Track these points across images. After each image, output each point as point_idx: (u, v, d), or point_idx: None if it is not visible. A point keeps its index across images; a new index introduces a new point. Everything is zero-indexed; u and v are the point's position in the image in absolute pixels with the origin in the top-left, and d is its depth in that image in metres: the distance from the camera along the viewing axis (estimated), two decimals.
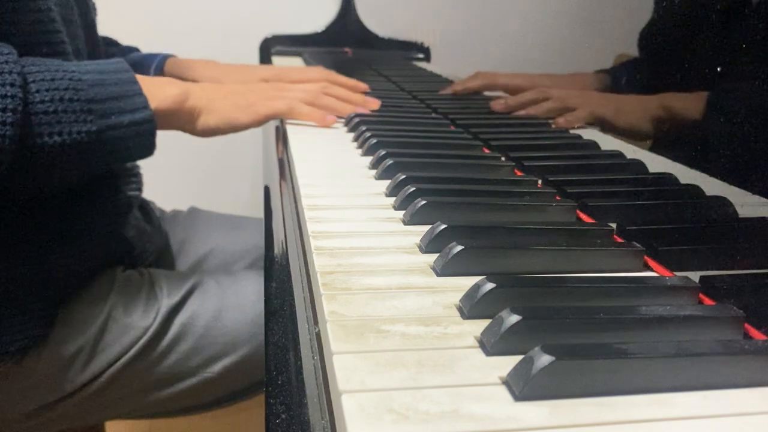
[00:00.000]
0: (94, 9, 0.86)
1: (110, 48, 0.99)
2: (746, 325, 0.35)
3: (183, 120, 0.72)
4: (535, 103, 0.75)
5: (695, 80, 0.48)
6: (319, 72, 0.92)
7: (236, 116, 0.74)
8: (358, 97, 0.86)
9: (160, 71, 0.96)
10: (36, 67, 0.60)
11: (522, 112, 0.76)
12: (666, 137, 0.52)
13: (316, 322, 0.37)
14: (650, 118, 0.54)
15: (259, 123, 0.76)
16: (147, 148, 0.67)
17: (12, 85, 0.56)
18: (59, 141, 0.59)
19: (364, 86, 0.92)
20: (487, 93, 0.88)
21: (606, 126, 0.63)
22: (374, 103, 0.85)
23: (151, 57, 0.97)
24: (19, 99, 0.56)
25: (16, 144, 0.56)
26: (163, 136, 0.70)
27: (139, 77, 0.67)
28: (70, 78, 0.60)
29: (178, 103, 0.70)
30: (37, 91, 0.58)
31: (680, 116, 0.50)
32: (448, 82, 1.01)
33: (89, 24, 0.81)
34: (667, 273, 0.42)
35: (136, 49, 1.02)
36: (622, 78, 0.58)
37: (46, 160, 0.59)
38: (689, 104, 0.48)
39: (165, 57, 0.97)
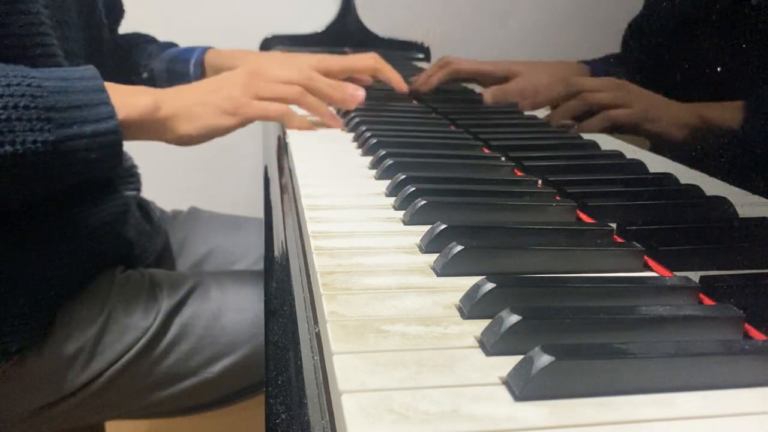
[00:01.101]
0: (120, 9, 0.84)
1: (149, 45, 0.97)
2: (746, 325, 0.35)
3: (157, 130, 0.67)
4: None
5: (695, 80, 0.48)
6: (299, 73, 0.79)
7: (219, 122, 0.68)
8: (339, 94, 0.79)
9: (200, 64, 0.92)
10: None
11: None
12: (671, 139, 0.52)
13: (316, 322, 0.37)
14: (678, 125, 0.51)
15: (244, 125, 0.71)
16: (112, 161, 0.64)
17: None
18: (11, 151, 0.55)
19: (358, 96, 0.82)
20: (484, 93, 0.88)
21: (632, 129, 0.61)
22: (337, 123, 0.79)
23: (190, 50, 0.94)
24: None
25: None
26: None
27: (109, 85, 0.63)
28: (28, 84, 0.57)
29: (149, 113, 0.65)
30: None
31: (682, 117, 0.50)
32: (448, 82, 1.01)
33: (94, 24, 0.80)
34: (667, 273, 0.42)
35: (174, 45, 0.99)
36: (602, 71, 0.58)
37: (1, 171, 0.56)
38: (690, 106, 0.48)
39: (204, 49, 0.94)
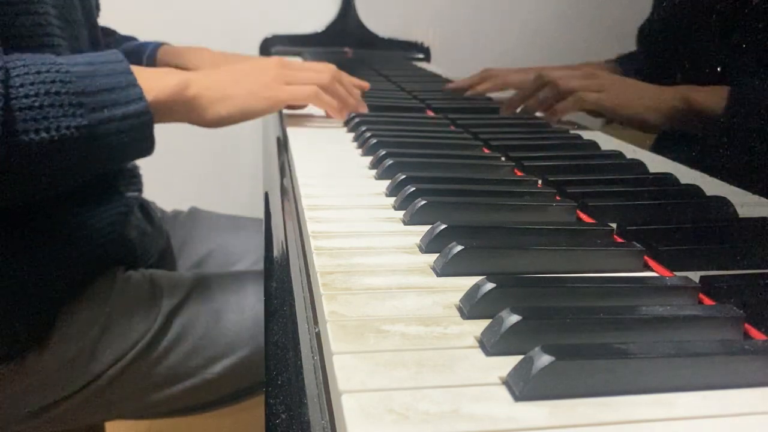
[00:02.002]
0: (98, 7, 0.86)
1: (108, 38, 0.98)
2: (746, 325, 0.35)
3: (186, 111, 0.67)
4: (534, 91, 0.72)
5: (695, 79, 0.48)
6: (325, 66, 0.86)
7: (252, 104, 0.70)
8: (358, 94, 0.84)
9: (152, 59, 0.93)
10: (21, 61, 0.57)
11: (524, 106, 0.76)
12: (666, 136, 0.52)
13: (316, 322, 0.37)
14: (657, 109, 0.53)
15: (277, 109, 0.73)
16: (145, 145, 0.64)
17: None
18: (47, 137, 0.55)
19: (366, 84, 0.90)
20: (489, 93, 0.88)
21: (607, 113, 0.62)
22: (363, 107, 0.83)
23: (144, 45, 0.95)
24: (0, 95, 0.53)
25: (2, 142, 0.53)
26: (163, 136, 0.69)
27: (135, 68, 0.64)
28: (57, 70, 0.57)
29: (178, 92, 0.65)
30: (21, 86, 0.55)
31: (684, 110, 0.50)
32: (448, 82, 1.01)
33: (94, 24, 0.81)
34: (667, 273, 0.42)
35: (133, 38, 1.00)
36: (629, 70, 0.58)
37: (35, 159, 0.56)
38: (695, 100, 0.48)
39: (158, 45, 0.95)
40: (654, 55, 0.54)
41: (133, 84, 0.61)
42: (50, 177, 0.60)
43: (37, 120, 0.55)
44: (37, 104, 0.55)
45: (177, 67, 0.85)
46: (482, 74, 0.89)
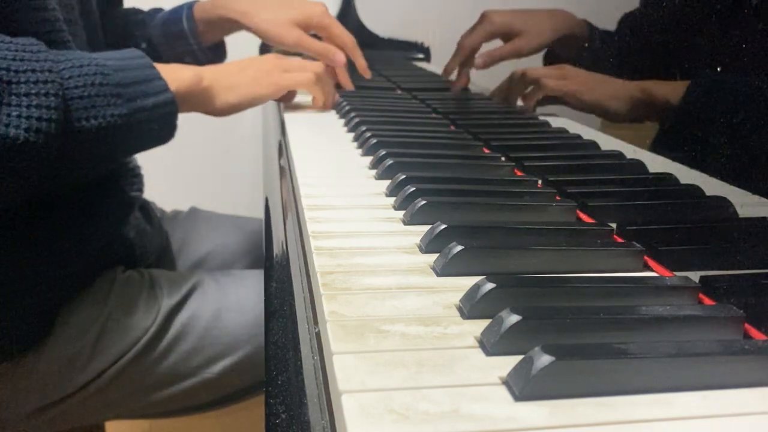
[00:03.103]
0: (102, 7, 0.86)
1: (137, 16, 0.99)
2: (746, 325, 0.35)
3: (200, 101, 0.73)
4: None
5: (691, 77, 0.48)
6: (345, 38, 0.94)
7: (257, 90, 0.76)
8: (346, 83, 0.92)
9: (192, 18, 0.95)
10: (62, 56, 0.61)
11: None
12: (666, 136, 0.52)
13: (316, 322, 0.37)
14: (618, 98, 0.55)
15: (279, 95, 0.79)
16: (169, 132, 0.69)
17: (50, 71, 0.57)
18: (96, 125, 0.59)
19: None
20: (488, 93, 0.88)
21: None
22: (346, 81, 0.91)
23: (178, 9, 0.97)
24: (57, 84, 0.57)
25: (61, 128, 0.57)
26: None
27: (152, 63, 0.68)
28: (96, 64, 0.61)
29: (194, 84, 0.71)
30: (70, 77, 0.59)
31: (664, 106, 0.51)
32: (448, 82, 1.01)
33: (92, 24, 0.81)
34: (667, 273, 0.42)
35: (159, 9, 1.01)
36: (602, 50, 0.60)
37: (86, 144, 0.60)
38: (681, 98, 0.48)
39: (191, 4, 0.97)
40: (631, 48, 0.55)
41: (158, 77, 0.66)
42: (93, 162, 0.64)
43: (87, 108, 0.59)
44: (86, 94, 0.59)
45: (218, 16, 0.93)
46: (453, 55, 0.92)
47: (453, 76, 0.95)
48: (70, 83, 0.59)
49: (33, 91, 0.55)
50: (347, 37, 0.93)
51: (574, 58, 0.64)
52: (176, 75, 0.69)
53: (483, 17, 0.81)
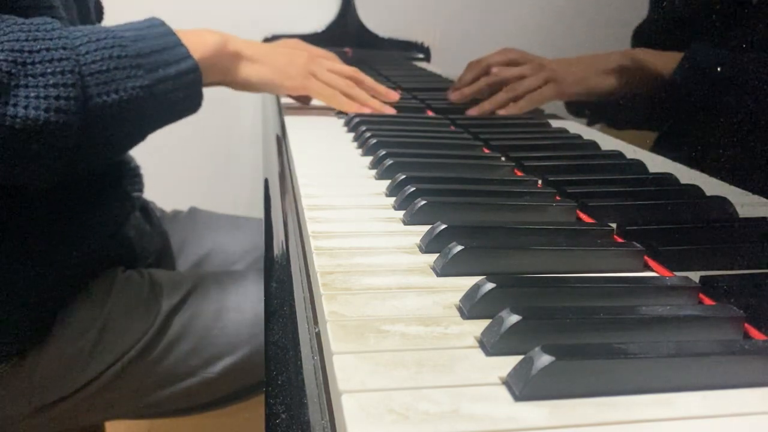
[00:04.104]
0: (101, 11, 0.86)
1: None
2: (746, 325, 0.35)
3: (225, 68, 0.72)
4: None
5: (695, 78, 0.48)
6: (349, 70, 0.89)
7: (280, 79, 0.75)
8: (382, 91, 0.86)
9: None
10: (79, 31, 0.60)
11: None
12: (666, 136, 0.52)
13: (316, 322, 0.37)
14: (606, 72, 0.54)
15: (298, 93, 0.78)
16: (195, 101, 0.68)
17: (64, 48, 0.57)
18: (117, 99, 0.59)
19: (394, 95, 0.88)
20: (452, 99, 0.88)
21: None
22: (390, 109, 0.85)
23: None
24: (73, 61, 0.57)
25: (80, 105, 0.57)
26: (163, 136, 0.69)
27: (176, 30, 0.67)
28: (113, 36, 0.61)
29: (219, 49, 0.70)
30: (87, 53, 0.58)
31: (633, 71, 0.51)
32: (448, 81, 1.01)
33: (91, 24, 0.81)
34: (667, 273, 0.42)
35: None
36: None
37: (108, 119, 0.59)
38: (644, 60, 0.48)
39: None
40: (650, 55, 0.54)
41: (179, 44, 0.66)
42: (120, 138, 0.63)
43: (107, 83, 0.59)
44: (104, 68, 0.59)
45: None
46: (467, 67, 0.90)
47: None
48: (87, 58, 0.58)
49: (49, 71, 0.55)
50: (350, 70, 0.88)
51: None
52: (200, 40, 0.69)
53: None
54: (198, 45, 0.68)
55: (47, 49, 0.56)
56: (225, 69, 0.72)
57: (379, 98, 0.85)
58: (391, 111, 0.84)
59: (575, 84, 0.63)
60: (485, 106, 0.79)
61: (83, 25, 0.78)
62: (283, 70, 0.76)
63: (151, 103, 0.62)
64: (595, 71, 0.57)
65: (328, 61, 0.84)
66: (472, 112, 0.81)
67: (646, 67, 0.51)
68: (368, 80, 0.86)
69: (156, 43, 0.64)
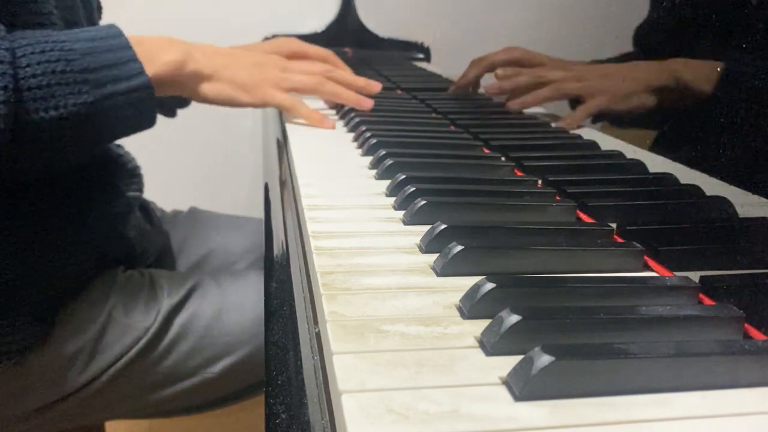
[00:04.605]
0: (100, 9, 0.86)
1: None
2: (746, 325, 0.35)
3: (181, 86, 0.70)
4: (529, 88, 0.74)
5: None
6: (318, 68, 0.86)
7: (238, 95, 0.73)
8: (360, 83, 0.83)
9: None
10: (25, 40, 0.58)
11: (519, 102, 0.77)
12: (666, 136, 0.52)
13: (316, 322, 0.37)
14: (661, 89, 0.53)
15: (258, 107, 0.76)
16: (147, 119, 0.66)
17: (1, 62, 0.54)
18: (56, 115, 0.57)
19: (376, 85, 0.86)
20: (487, 93, 0.88)
21: (611, 113, 0.63)
22: (368, 103, 0.82)
23: None
24: (9, 76, 0.54)
25: (11, 123, 0.54)
26: (163, 137, 0.69)
27: (137, 39, 0.64)
28: (60, 49, 0.58)
29: (178, 69, 0.67)
30: (28, 65, 0.56)
31: (694, 88, 0.49)
32: (448, 81, 1.01)
33: (93, 25, 0.81)
34: (667, 273, 0.42)
35: None
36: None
37: (45, 137, 0.57)
38: (705, 76, 0.48)
39: None
40: (650, 56, 0.54)
41: (133, 59, 0.63)
42: (60, 153, 0.61)
43: (46, 99, 0.56)
44: (44, 83, 0.56)
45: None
46: (470, 64, 0.89)
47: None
48: (28, 71, 0.56)
49: None
50: (325, 52, 0.88)
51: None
52: (158, 55, 0.66)
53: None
54: (154, 60, 0.65)
55: None
56: (181, 86, 0.70)
57: (361, 92, 0.82)
58: (370, 104, 0.82)
59: (620, 101, 0.62)
60: (528, 100, 0.78)
61: (90, 25, 0.78)
62: (242, 85, 0.73)
63: (96, 120, 0.60)
64: (637, 87, 0.56)
65: (298, 64, 0.80)
66: (514, 104, 0.79)
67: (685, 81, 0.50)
68: (344, 71, 0.83)
69: (107, 57, 0.61)
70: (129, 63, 0.62)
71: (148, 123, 0.67)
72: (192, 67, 0.69)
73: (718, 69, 0.45)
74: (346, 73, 0.83)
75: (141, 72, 0.63)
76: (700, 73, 0.47)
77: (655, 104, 0.53)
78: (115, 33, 0.64)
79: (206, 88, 0.71)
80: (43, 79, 0.56)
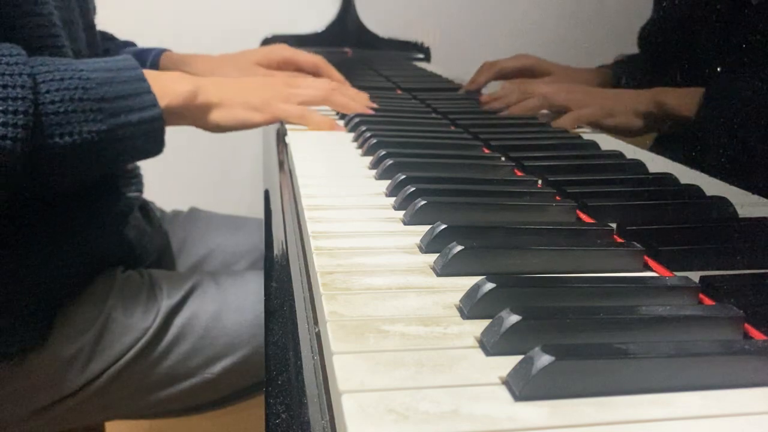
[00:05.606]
0: (94, 9, 0.86)
1: (107, 43, 0.98)
2: (746, 325, 0.35)
3: (193, 117, 0.72)
4: (517, 101, 0.76)
5: (695, 79, 0.48)
6: (311, 59, 0.92)
7: (248, 116, 0.74)
8: (364, 100, 0.86)
9: (155, 66, 0.94)
10: (45, 66, 0.60)
11: (506, 112, 0.78)
12: (666, 136, 0.52)
13: (316, 322, 0.37)
14: (645, 114, 0.54)
15: (270, 123, 0.77)
16: (156, 147, 0.68)
17: (22, 87, 0.56)
18: (70, 141, 0.59)
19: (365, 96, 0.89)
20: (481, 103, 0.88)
21: (598, 126, 0.63)
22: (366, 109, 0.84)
23: (147, 52, 0.96)
24: (29, 101, 0.56)
25: (27, 147, 0.56)
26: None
27: (149, 73, 0.67)
28: (79, 77, 0.60)
29: (189, 100, 0.69)
30: (47, 92, 0.58)
31: (677, 114, 0.50)
32: (448, 82, 1.01)
33: (90, 25, 0.81)
34: (667, 273, 0.42)
35: (132, 44, 1.01)
36: (622, 74, 0.58)
37: (58, 161, 0.59)
38: (687, 102, 0.48)
39: (160, 52, 0.96)
40: (654, 58, 0.54)
41: (148, 91, 0.65)
42: (70, 176, 0.63)
43: (62, 125, 0.58)
44: (62, 110, 0.58)
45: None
46: (480, 68, 0.89)
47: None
48: (46, 98, 0.58)
49: (1, 108, 0.54)
50: (315, 58, 0.91)
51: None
52: (171, 89, 0.68)
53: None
54: (168, 92, 0.67)
55: (4, 86, 0.55)
56: (193, 117, 0.72)
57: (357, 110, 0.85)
58: (371, 107, 0.84)
59: (606, 117, 0.63)
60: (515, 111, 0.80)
61: (85, 21, 0.78)
62: (254, 106, 0.75)
63: (107, 147, 0.62)
64: (626, 109, 0.57)
65: (303, 80, 0.83)
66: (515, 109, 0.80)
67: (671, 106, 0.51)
68: (346, 88, 0.86)
69: (123, 88, 0.63)
70: (143, 95, 0.64)
71: (156, 151, 0.69)
72: (203, 98, 0.71)
73: (701, 96, 0.46)
74: (349, 89, 0.87)
75: (155, 104, 0.65)
76: (683, 100, 0.48)
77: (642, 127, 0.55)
78: (131, 65, 0.66)
79: (218, 115, 0.73)
80: (61, 105, 0.58)
